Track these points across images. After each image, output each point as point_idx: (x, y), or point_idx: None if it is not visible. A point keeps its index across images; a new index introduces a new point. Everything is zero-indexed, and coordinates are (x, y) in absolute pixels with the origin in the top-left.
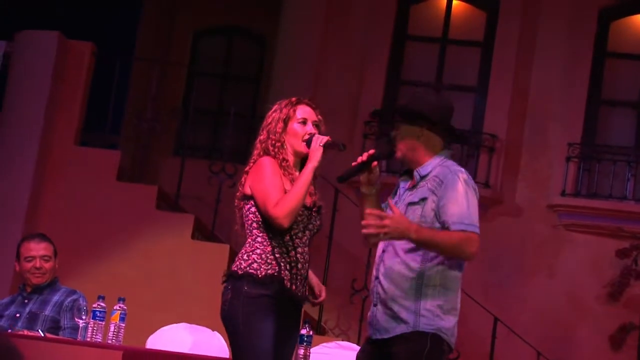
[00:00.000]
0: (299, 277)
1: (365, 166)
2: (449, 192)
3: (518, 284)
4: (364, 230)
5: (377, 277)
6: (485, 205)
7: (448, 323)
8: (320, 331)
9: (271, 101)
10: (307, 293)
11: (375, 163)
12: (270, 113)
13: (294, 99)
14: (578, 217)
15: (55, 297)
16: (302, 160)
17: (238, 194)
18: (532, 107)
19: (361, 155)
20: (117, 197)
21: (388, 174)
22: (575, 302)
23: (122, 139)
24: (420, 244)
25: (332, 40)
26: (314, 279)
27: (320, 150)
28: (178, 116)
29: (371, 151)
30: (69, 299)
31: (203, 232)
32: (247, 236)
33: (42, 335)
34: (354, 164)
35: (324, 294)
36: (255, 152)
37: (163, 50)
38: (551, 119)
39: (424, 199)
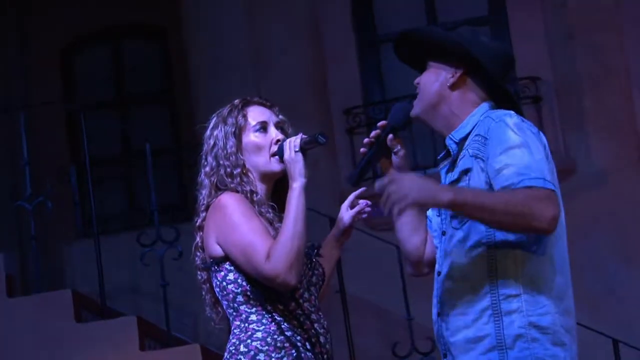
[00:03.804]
0: (325, 356)
1: (380, 148)
2: (497, 147)
3: (631, 280)
4: (385, 208)
5: (439, 315)
6: None
7: (557, 346)
8: None
9: (200, 119)
10: None
11: (391, 137)
12: (209, 132)
13: (237, 101)
14: None
15: None
16: (276, 185)
17: (199, 262)
18: (579, 24)
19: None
20: (16, 320)
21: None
22: None
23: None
24: (461, 209)
25: (270, 9)
26: None
27: (300, 157)
28: (70, 179)
29: (382, 123)
30: None
31: (155, 337)
32: (232, 318)
33: None
34: (362, 150)
35: None
36: (204, 192)
37: (22, 90)
38: (609, 33)
39: (466, 171)
